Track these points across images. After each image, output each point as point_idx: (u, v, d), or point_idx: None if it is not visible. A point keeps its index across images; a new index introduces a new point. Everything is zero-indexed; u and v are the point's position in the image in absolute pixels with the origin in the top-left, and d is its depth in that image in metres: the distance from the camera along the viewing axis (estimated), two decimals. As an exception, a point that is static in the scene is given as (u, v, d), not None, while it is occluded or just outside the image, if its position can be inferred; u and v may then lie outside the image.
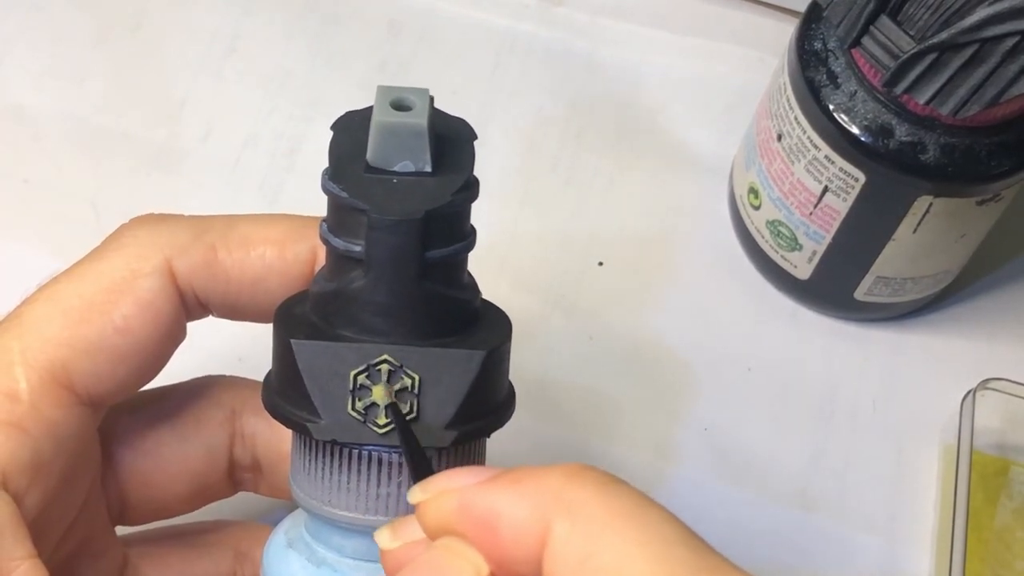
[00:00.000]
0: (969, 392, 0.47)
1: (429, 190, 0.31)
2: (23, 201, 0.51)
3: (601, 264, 0.51)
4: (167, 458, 0.37)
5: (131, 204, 0.49)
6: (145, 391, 0.36)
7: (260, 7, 0.55)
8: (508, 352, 0.34)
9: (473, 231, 0.33)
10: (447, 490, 0.28)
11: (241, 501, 0.40)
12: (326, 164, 0.32)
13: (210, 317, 0.36)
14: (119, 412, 0.36)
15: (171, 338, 0.35)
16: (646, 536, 0.26)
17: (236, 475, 0.39)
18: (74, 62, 0.54)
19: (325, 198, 0.32)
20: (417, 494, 0.28)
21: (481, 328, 0.33)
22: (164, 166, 0.52)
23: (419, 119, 0.31)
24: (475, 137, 0.33)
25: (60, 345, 0.33)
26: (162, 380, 0.36)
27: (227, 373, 0.39)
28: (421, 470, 0.30)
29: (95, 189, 0.51)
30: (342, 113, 0.33)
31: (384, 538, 0.29)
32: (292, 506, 0.37)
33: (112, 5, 0.55)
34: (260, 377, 0.35)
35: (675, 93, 0.55)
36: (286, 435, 0.37)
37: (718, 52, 0.56)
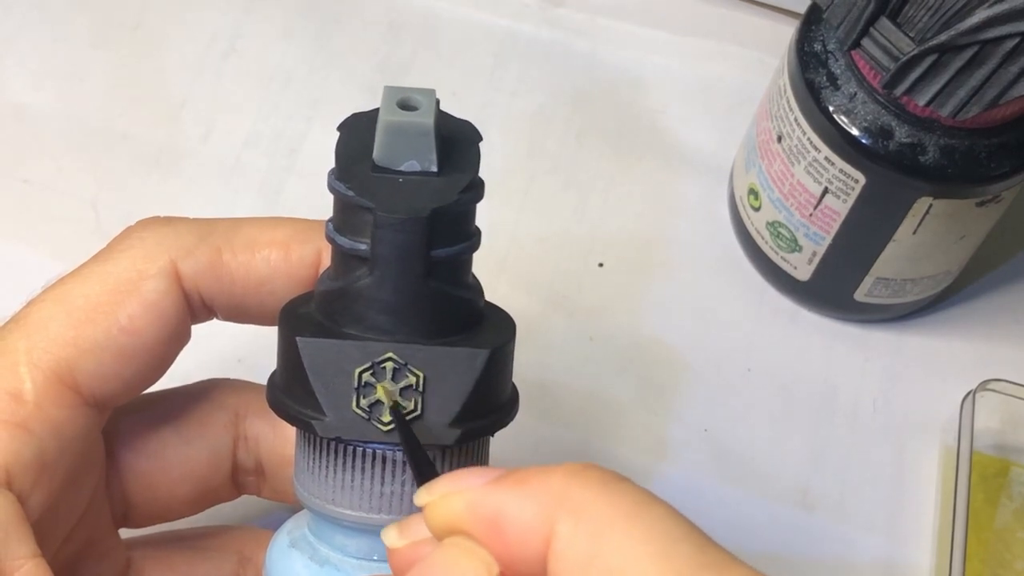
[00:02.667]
0: (969, 393, 0.47)
1: (435, 189, 0.31)
2: (23, 201, 0.51)
3: (601, 265, 0.51)
4: (170, 461, 0.37)
5: (131, 204, 0.50)
6: (149, 393, 0.36)
7: (260, 7, 0.55)
8: (512, 352, 0.34)
9: (478, 232, 0.33)
10: (453, 492, 0.28)
11: (244, 504, 0.41)
12: (327, 164, 0.32)
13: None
14: (123, 414, 0.36)
15: (176, 339, 0.35)
16: (650, 534, 0.26)
17: (239, 478, 0.39)
18: (74, 62, 0.54)
19: (326, 198, 0.32)
20: (423, 496, 0.28)
21: (485, 328, 0.33)
22: (164, 166, 0.52)
23: (426, 118, 0.31)
24: (480, 139, 0.33)
25: (65, 345, 0.33)
26: (163, 382, 0.36)
27: (227, 375, 0.39)
28: (425, 472, 0.30)
29: (95, 189, 0.51)
30: (342, 113, 0.33)
31: (391, 537, 0.29)
32: (295, 509, 0.37)
33: (112, 5, 0.55)
34: (260, 379, 0.35)
35: (675, 93, 0.55)
36: (289, 439, 0.37)
37: (718, 52, 0.56)
